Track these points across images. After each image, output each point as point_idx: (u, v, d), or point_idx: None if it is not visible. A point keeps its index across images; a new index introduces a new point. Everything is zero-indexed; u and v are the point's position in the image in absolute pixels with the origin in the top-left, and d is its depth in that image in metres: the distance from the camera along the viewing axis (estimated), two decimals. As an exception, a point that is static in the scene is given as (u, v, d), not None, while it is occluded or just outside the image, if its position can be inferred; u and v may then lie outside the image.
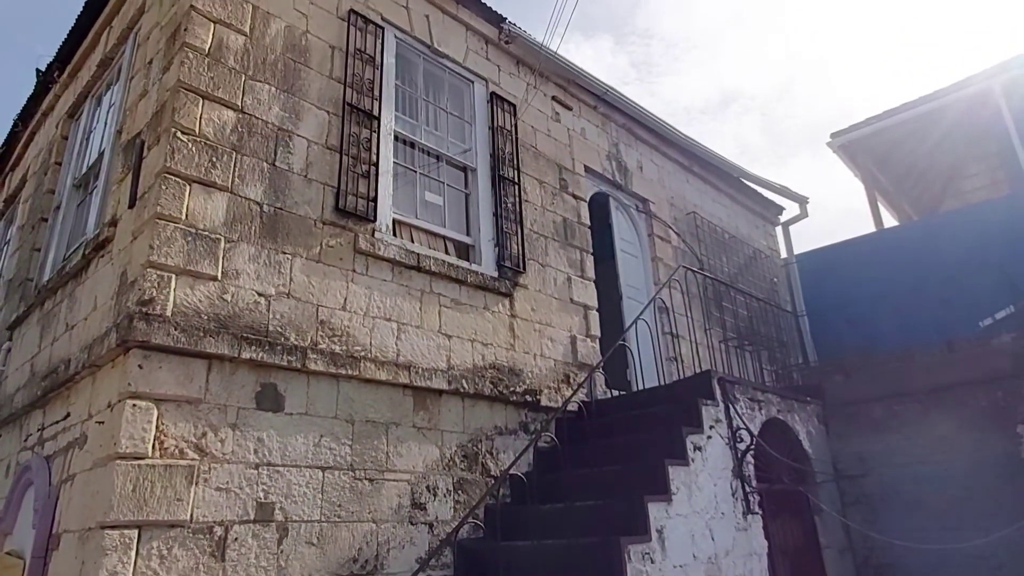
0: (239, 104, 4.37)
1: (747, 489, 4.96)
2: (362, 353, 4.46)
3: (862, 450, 6.39)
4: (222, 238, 4.00)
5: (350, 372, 4.29)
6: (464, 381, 5.04)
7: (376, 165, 5.09)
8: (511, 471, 5.22)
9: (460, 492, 4.78)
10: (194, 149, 4.03)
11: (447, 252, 5.58)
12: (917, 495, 5.95)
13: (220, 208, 4.06)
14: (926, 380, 6.19)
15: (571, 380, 6.10)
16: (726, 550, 4.57)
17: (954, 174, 12.35)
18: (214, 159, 4.11)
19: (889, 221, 12.61)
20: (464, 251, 5.82)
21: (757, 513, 5.05)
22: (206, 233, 3.93)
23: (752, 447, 5.07)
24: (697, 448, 4.71)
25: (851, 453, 6.44)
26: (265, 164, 4.41)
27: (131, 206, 4.15)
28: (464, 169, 6.14)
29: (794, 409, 6.24)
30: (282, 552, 3.66)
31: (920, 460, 6.03)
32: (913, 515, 5.89)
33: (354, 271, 4.68)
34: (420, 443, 4.61)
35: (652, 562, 3.90)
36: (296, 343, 4.12)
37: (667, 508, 4.20)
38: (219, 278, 3.91)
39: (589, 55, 44.71)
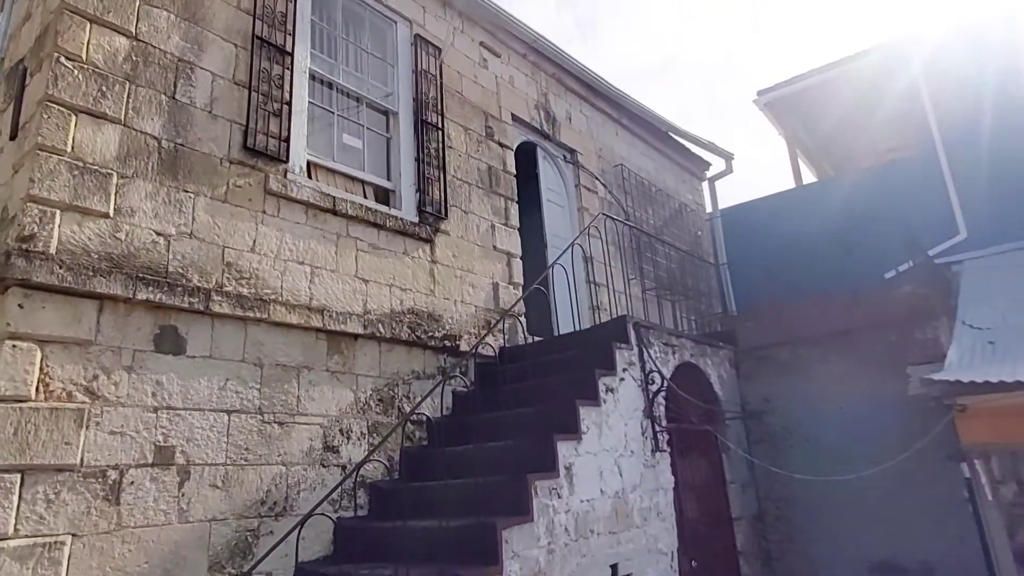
0: (133, 31, 4.09)
1: (656, 429, 5.16)
2: (272, 296, 4.35)
3: (768, 392, 6.73)
4: (114, 173, 3.78)
5: (259, 315, 4.19)
6: (381, 326, 5.00)
7: (289, 104, 4.88)
8: (427, 415, 5.28)
9: (375, 435, 4.79)
10: (81, 77, 3.76)
11: (366, 196, 5.47)
12: (816, 432, 6.33)
13: (112, 141, 3.83)
14: (829, 325, 6.52)
15: (492, 326, 6.15)
16: (634, 485, 4.77)
17: (870, 134, 12.82)
18: (104, 89, 3.85)
19: (811, 179, 13.06)
20: (384, 196, 5.71)
21: (665, 451, 5.27)
22: (96, 167, 3.71)
23: (663, 389, 5.26)
24: (609, 390, 4.84)
25: (758, 395, 6.77)
26: (164, 97, 4.16)
27: (12, 138, 3.86)
28: (386, 113, 5.98)
29: (707, 354, 6.48)
30: (183, 495, 3.60)
31: (820, 400, 6.39)
32: (811, 451, 6.27)
33: (264, 212, 4.52)
34: (334, 387, 4.58)
35: (559, 497, 4.03)
36: (199, 285, 3.98)
37: (576, 447, 4.32)
38: (111, 215, 3.70)
39: (531, 9, 43.89)
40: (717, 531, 6.01)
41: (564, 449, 4.20)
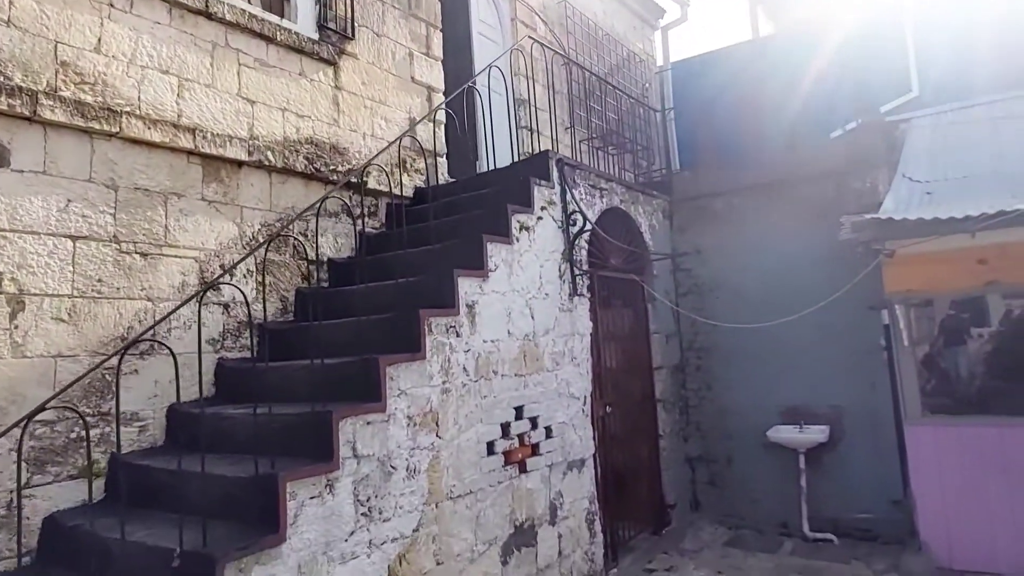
0: None
1: (576, 272, 4.86)
2: (126, 108, 3.68)
3: (700, 243, 6.49)
4: None
5: (108, 128, 3.54)
6: (271, 153, 4.41)
7: None
8: (330, 255, 4.85)
9: (270, 275, 4.35)
10: None
11: (250, 2, 4.65)
12: (744, 284, 6.19)
13: None
14: (767, 176, 6.20)
15: (408, 165, 5.61)
16: (546, 329, 4.52)
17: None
18: None
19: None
20: (278, 6, 4.89)
21: (584, 296, 5.01)
22: None
23: (585, 231, 4.90)
24: (525, 228, 4.46)
25: (690, 245, 6.54)
26: None
27: None
28: (277, -96, 5.00)
29: (639, 201, 6.13)
30: (16, 328, 3.13)
31: (751, 252, 6.20)
32: (738, 302, 6.16)
33: (112, 6, 3.74)
34: (212, 218, 4.05)
35: (458, 336, 3.73)
36: (23, 85, 3.29)
37: (482, 284, 3.98)
38: None
39: None
40: (637, 380, 5.95)
41: (466, 286, 3.85)
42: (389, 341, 3.54)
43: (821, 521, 5.57)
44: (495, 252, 4.13)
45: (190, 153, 3.98)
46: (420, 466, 3.37)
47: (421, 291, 3.89)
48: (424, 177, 5.89)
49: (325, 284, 4.70)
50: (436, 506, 3.43)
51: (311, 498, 2.78)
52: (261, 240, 4.31)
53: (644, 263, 6.23)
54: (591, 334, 5.02)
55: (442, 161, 5.98)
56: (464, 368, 3.75)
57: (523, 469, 4.12)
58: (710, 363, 6.34)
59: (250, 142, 4.31)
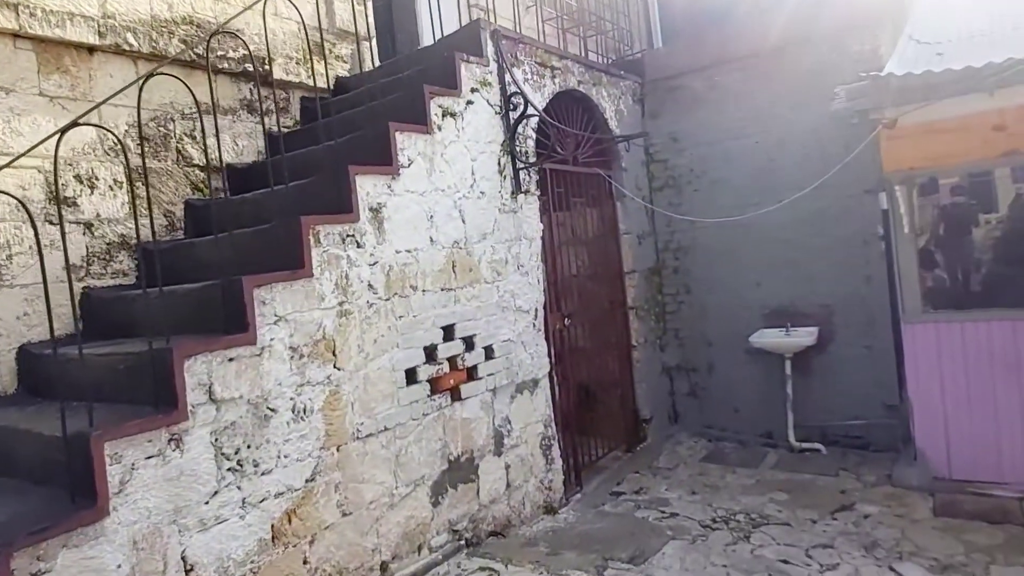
0: None
1: (518, 166, 4.13)
2: (-87, -23, 2.88)
3: (676, 129, 5.68)
4: None
5: None
6: (133, 36, 3.61)
7: None
8: (228, 160, 4.13)
9: (142, 185, 3.65)
10: None
11: None
12: (726, 174, 5.44)
13: None
14: (755, 43, 5.30)
15: (327, 52, 4.76)
16: (483, 233, 3.85)
17: None
18: None
19: None
20: None
21: (533, 194, 4.31)
22: None
23: (529, 116, 4.13)
24: (450, 114, 3.70)
25: (665, 134, 5.74)
26: None
27: None
28: None
29: (602, 83, 5.28)
30: None
31: (734, 135, 5.40)
32: (719, 194, 5.43)
33: None
34: (58, 118, 3.31)
35: (359, 246, 3.07)
36: None
37: (391, 183, 3.28)
38: None
39: None
40: (606, 286, 5.33)
41: (369, 186, 3.16)
42: (270, 258, 2.90)
43: (808, 430, 5.09)
44: (408, 144, 3.41)
45: (16, 36, 3.20)
46: (313, 405, 2.80)
47: (315, 195, 3.21)
48: (349, 66, 5.07)
49: (222, 194, 4.00)
50: (337, 449, 2.89)
51: (148, 458, 2.22)
52: (132, 145, 3.59)
53: (611, 155, 5.47)
54: (542, 237, 4.36)
55: (370, 45, 5.12)
56: (369, 285, 3.12)
57: (457, 397, 3.57)
58: (689, 264, 5.69)
59: (102, 21, 3.50)
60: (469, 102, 3.86)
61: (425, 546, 3.29)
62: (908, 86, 3.70)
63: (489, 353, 3.81)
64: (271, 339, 2.65)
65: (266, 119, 4.46)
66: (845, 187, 4.88)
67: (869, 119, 4.12)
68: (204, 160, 3.92)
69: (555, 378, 4.38)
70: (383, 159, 3.31)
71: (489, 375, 3.79)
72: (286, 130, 4.37)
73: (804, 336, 4.99)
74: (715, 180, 5.50)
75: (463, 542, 3.48)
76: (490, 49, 4.07)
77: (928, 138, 4.02)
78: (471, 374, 3.69)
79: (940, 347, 4.18)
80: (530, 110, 4.08)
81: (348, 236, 3.03)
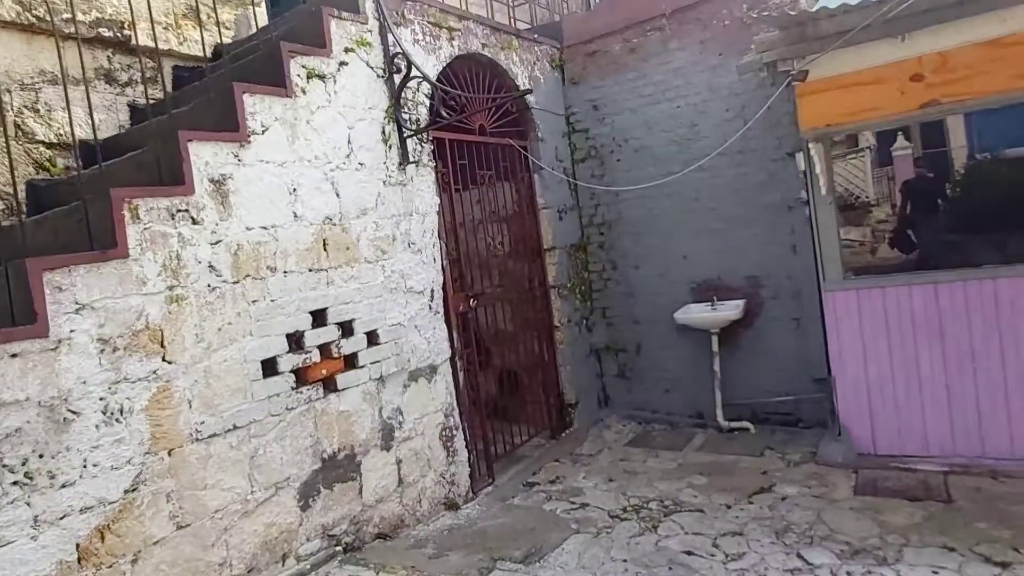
0: None
1: (404, 134, 3.79)
2: None
3: (597, 97, 5.37)
4: None
5: None
6: (-51, -4, 3.19)
7: None
8: (82, 136, 3.72)
9: (-30, 164, 3.26)
10: None
11: None
12: (648, 141, 5.15)
13: None
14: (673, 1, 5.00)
15: (205, 17, 4.36)
16: (363, 208, 3.51)
17: None
18: None
19: None
20: None
21: (427, 166, 3.97)
22: None
23: (413, 79, 3.78)
24: (318, 76, 3.35)
25: (585, 102, 5.42)
26: None
27: None
28: None
29: (512, 47, 4.94)
30: None
31: (655, 100, 5.11)
32: (642, 162, 5.15)
33: None
34: None
35: (195, 222, 2.72)
36: None
37: (239, 152, 2.92)
38: None
39: None
40: (524, 264, 5.03)
41: (208, 155, 2.80)
42: (86, 240, 2.54)
43: (738, 408, 4.86)
44: (261, 108, 3.04)
45: None
46: (132, 405, 2.45)
47: (147, 166, 2.85)
48: (234, 33, 4.67)
49: (77, 173, 3.61)
50: (169, 454, 2.55)
51: None
52: (-48, 118, 3.17)
53: (527, 125, 5.15)
54: (439, 212, 4.03)
55: (255, 12, 4.72)
56: (211, 266, 2.77)
57: (332, 388, 3.24)
58: (614, 239, 5.40)
59: (-92, -22, 3.08)
60: (343, 63, 3.51)
61: (292, 555, 2.97)
62: (814, 30, 3.41)
63: (373, 339, 3.49)
64: (71, 331, 2.30)
65: (131, 89, 4.07)
66: (769, 151, 4.64)
67: (778, 72, 3.84)
68: (50, 136, 3.52)
69: (459, 363, 4.07)
70: (229, 125, 2.94)
71: (373, 363, 3.46)
72: (152, 102, 3.97)
73: (730, 310, 4.74)
74: (638, 149, 5.20)
75: (340, 548, 3.16)
76: (369, 5, 3.71)
77: (843, 92, 3.76)
78: (350, 362, 3.36)
79: (862, 316, 3.95)
80: (414, 72, 3.73)
81: (180, 211, 2.68)
